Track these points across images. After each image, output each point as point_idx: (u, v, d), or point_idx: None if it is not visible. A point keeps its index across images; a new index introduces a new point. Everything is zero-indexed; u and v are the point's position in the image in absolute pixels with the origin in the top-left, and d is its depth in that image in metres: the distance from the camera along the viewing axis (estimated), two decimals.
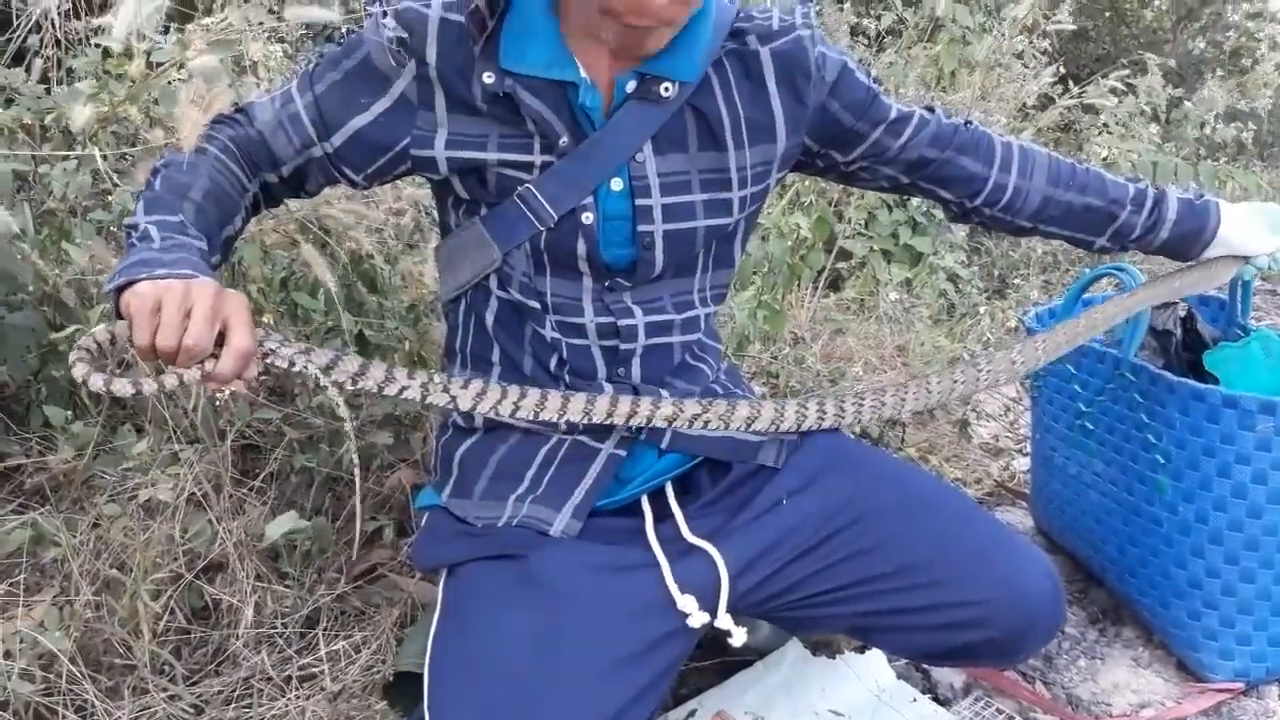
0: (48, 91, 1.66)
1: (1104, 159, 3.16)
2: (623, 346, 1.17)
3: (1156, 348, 1.62)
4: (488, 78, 1.08)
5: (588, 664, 1.02)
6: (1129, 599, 1.59)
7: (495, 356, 1.21)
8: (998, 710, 1.34)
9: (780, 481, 1.19)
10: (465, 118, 1.10)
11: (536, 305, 1.16)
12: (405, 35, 1.08)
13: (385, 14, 1.10)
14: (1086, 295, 1.77)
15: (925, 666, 1.49)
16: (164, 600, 1.28)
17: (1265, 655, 1.43)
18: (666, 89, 1.11)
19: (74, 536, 1.24)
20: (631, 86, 1.11)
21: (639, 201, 1.13)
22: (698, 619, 1.08)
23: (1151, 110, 3.38)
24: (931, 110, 1.26)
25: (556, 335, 1.17)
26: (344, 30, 1.25)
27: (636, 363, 1.18)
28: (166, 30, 1.62)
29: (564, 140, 1.10)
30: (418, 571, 1.28)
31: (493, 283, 1.18)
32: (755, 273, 2.30)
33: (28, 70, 1.68)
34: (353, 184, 1.17)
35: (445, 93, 1.10)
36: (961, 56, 3.02)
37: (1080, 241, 1.35)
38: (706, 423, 1.15)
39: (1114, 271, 1.56)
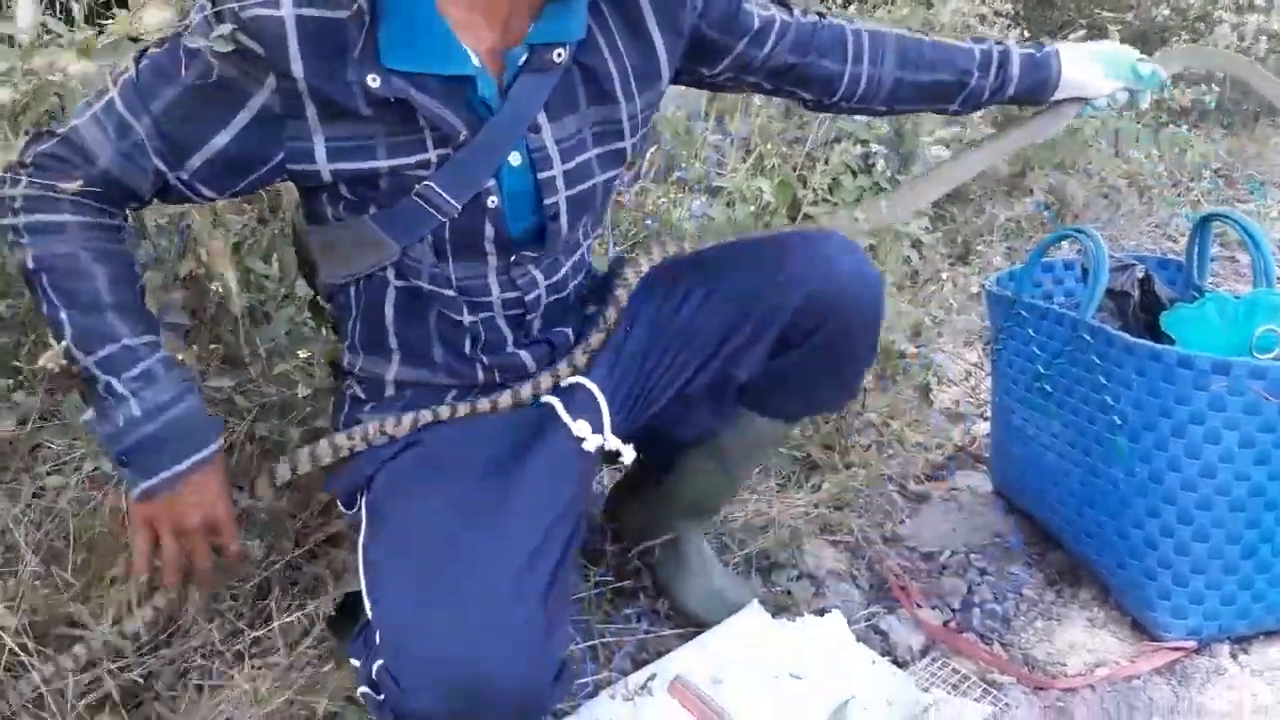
0: None
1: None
2: (528, 315, 1.19)
3: (1114, 309, 1.62)
4: (373, 81, 0.99)
5: (504, 505, 1.09)
6: (1086, 559, 1.60)
7: (393, 344, 1.18)
8: (954, 670, 1.35)
9: (620, 331, 1.26)
10: (345, 124, 1.02)
11: (450, 292, 1.14)
12: (257, 49, 0.97)
13: (215, 17, 0.96)
14: (1047, 259, 1.77)
15: (883, 628, 1.50)
16: (112, 572, 1.26)
17: (1217, 614, 1.45)
18: (559, 54, 1.08)
19: (14, 507, 1.21)
20: (523, 60, 1.07)
21: (541, 174, 1.11)
22: (592, 442, 1.17)
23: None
24: (789, 10, 1.26)
25: (471, 318, 1.16)
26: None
27: (537, 320, 1.20)
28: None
29: (463, 134, 1.06)
30: (341, 507, 1.26)
31: (390, 274, 1.13)
32: (720, 237, 2.28)
33: None
34: (213, 200, 1.09)
35: (316, 101, 1.01)
36: (925, 19, 3.00)
37: (935, 110, 1.44)
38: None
39: (1075, 234, 1.56)
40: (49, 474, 1.31)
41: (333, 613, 1.27)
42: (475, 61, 1.05)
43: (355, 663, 1.09)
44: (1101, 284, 1.50)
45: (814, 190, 2.67)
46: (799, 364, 1.26)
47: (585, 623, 1.41)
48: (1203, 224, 1.73)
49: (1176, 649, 1.45)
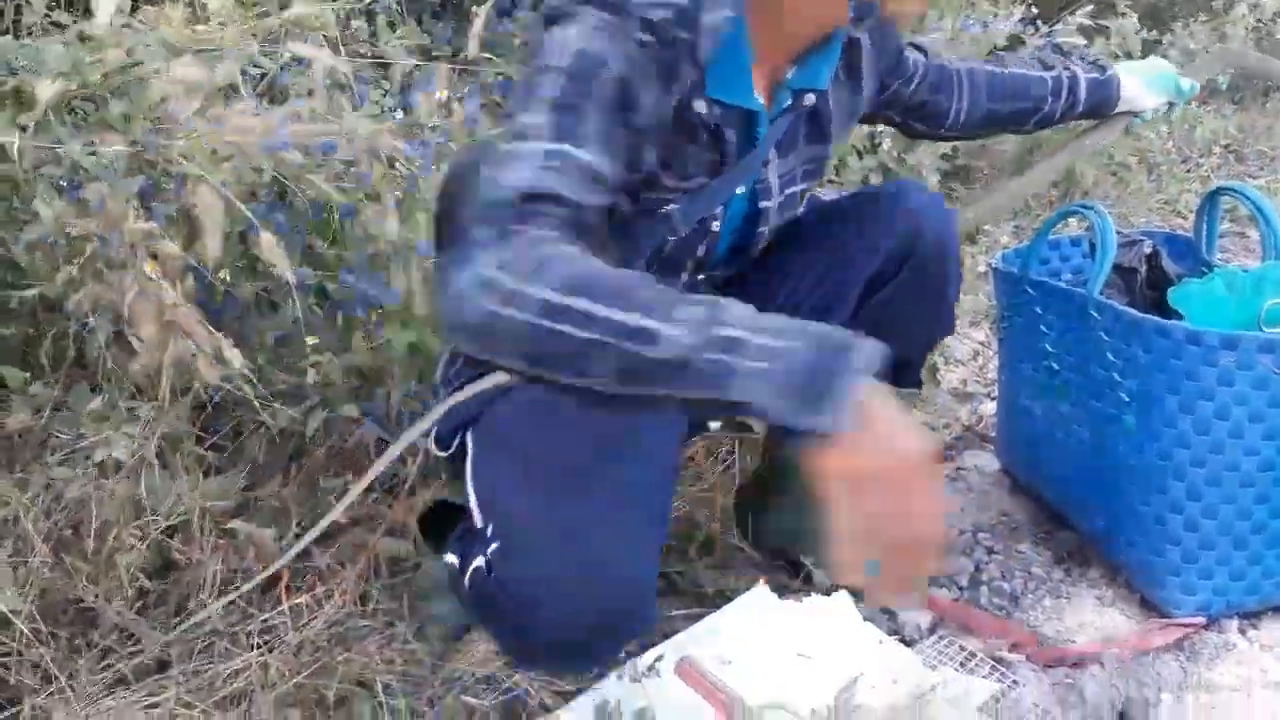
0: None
1: None
2: None
3: (1121, 285, 1.61)
4: (700, 106, 1.06)
5: (632, 433, 1.10)
6: (1094, 538, 1.60)
7: None
8: (961, 648, 1.35)
9: None
10: (676, 138, 1.08)
11: None
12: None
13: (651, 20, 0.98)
14: (1053, 236, 1.76)
15: (892, 609, 1.50)
16: (125, 559, 1.27)
17: (1226, 589, 1.45)
18: (809, 100, 1.16)
19: (24, 495, 1.22)
20: (787, 103, 1.15)
21: (762, 204, 1.20)
22: None
23: (1125, 53, 3.35)
24: (923, 52, 1.39)
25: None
26: None
27: None
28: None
29: (728, 164, 1.13)
30: (433, 448, 1.25)
31: None
32: None
33: None
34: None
35: (675, 110, 1.05)
36: None
37: (1010, 131, 1.61)
38: None
39: (1081, 209, 1.55)
40: (59, 464, 1.32)
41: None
42: (760, 100, 1.12)
43: (451, 559, 1.08)
44: (1108, 260, 1.49)
45: None
46: (890, 300, 1.33)
47: None
48: (1212, 198, 1.71)
49: (1186, 625, 1.45)
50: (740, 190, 1.19)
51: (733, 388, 0.77)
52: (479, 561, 1.03)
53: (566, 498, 1.04)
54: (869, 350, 0.78)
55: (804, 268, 1.33)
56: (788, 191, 1.25)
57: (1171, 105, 1.67)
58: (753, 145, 1.15)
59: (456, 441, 1.20)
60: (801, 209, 1.33)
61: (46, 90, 1.35)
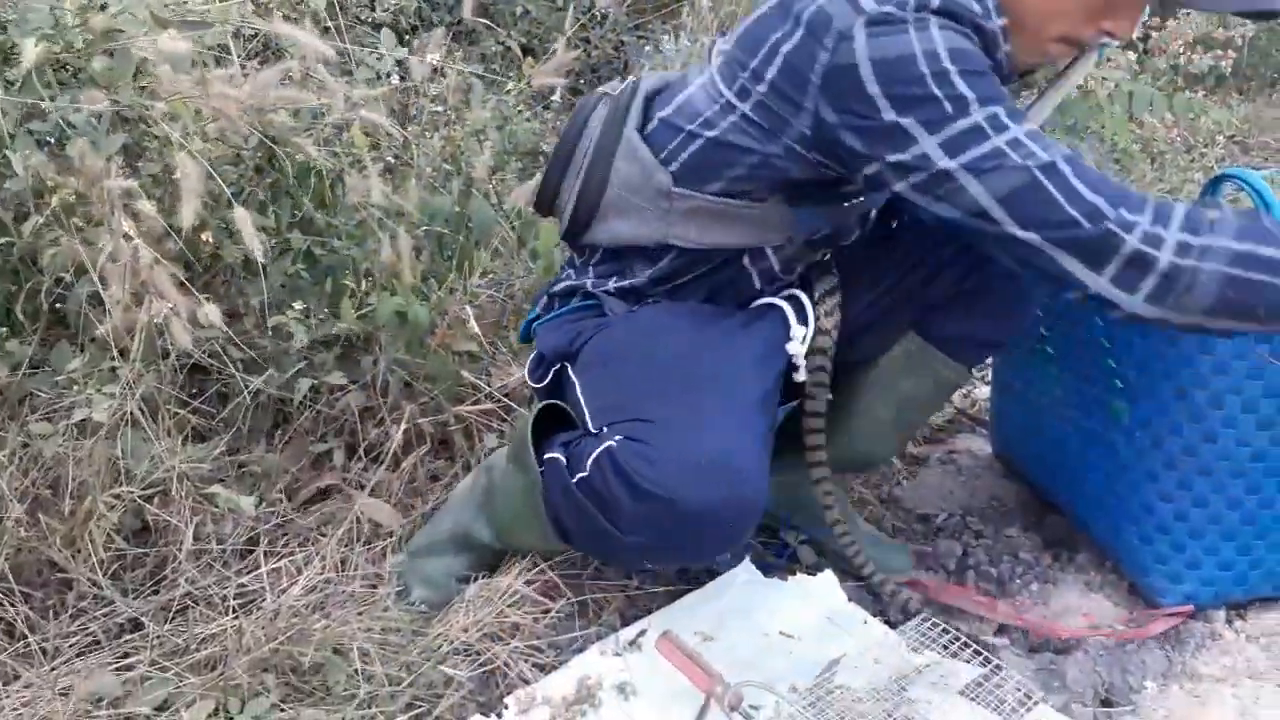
0: None
1: (1079, 85, 3.10)
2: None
3: None
4: None
5: (735, 341, 1.24)
6: (1083, 524, 1.58)
7: (690, 274, 1.31)
8: (944, 630, 1.34)
9: None
10: None
11: (775, 270, 1.32)
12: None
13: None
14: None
15: (877, 590, 1.49)
16: (103, 519, 1.25)
17: (1214, 580, 1.43)
18: None
19: (0, 452, 1.20)
20: None
21: None
22: (798, 332, 1.28)
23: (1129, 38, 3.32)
24: None
25: (760, 286, 1.34)
26: None
27: None
28: None
29: None
30: (529, 380, 1.38)
31: (745, 257, 1.29)
32: None
33: None
34: None
35: None
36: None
37: None
38: None
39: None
40: (37, 421, 1.30)
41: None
42: None
43: (558, 456, 1.18)
44: None
45: None
46: (964, 287, 1.38)
47: (575, 579, 1.41)
48: (1214, 185, 1.68)
49: (1173, 615, 1.44)
50: None
51: None
52: (598, 452, 1.11)
53: (685, 395, 1.14)
54: None
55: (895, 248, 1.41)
56: None
57: None
58: None
59: (550, 377, 1.31)
60: None
61: (30, 52, 1.33)
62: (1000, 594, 1.53)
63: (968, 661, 1.31)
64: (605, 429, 1.15)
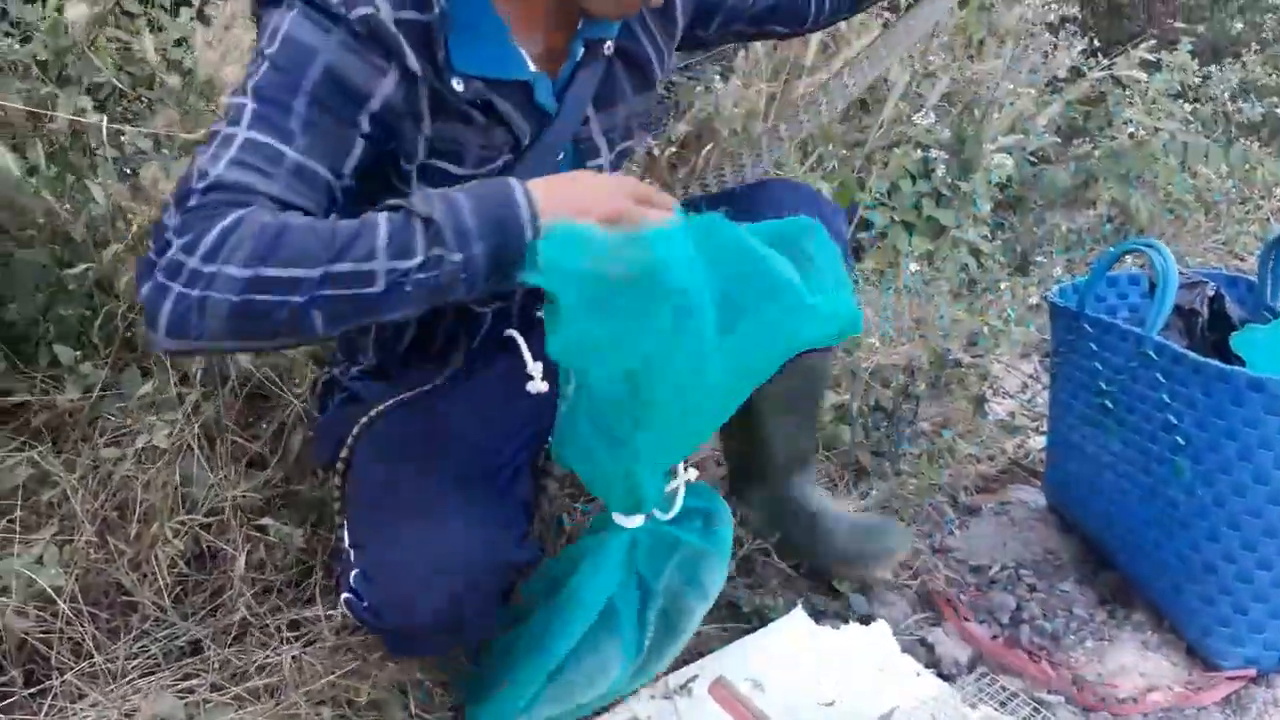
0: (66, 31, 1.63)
1: (1131, 135, 3.10)
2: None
3: (1181, 327, 1.58)
4: (457, 84, 1.01)
5: (477, 458, 1.15)
6: (1140, 581, 1.56)
7: (408, 334, 1.21)
8: (1002, 687, 1.33)
9: None
10: (444, 124, 1.03)
11: None
12: (378, 44, 0.96)
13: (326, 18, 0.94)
14: (1111, 272, 1.73)
15: (930, 640, 1.48)
16: (168, 544, 1.27)
17: (1277, 643, 1.41)
18: (609, 47, 1.11)
19: (71, 475, 1.23)
20: (580, 55, 1.10)
21: (589, 163, 1.15)
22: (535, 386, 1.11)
23: (1181, 86, 3.31)
24: None
25: (482, 309, 1.19)
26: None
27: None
28: None
29: (528, 138, 1.08)
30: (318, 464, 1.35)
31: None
32: None
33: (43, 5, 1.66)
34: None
35: (429, 98, 1.01)
36: (989, 24, 2.96)
37: (866, 7, 1.50)
38: None
39: (1143, 247, 1.52)
40: (106, 445, 1.33)
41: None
42: (531, 66, 1.06)
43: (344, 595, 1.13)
44: (1169, 300, 1.46)
45: (871, 192, 2.65)
46: None
47: None
48: (1277, 244, 1.68)
49: (1234, 678, 1.41)
50: (560, 157, 1.12)
51: (453, 293, 0.93)
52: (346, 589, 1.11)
53: (414, 521, 1.08)
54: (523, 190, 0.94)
55: None
56: (619, 148, 1.20)
57: None
58: (542, 111, 1.09)
59: (338, 458, 1.22)
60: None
61: (76, 11, 1.38)
62: (1054, 649, 1.51)
63: (1025, 719, 1.30)
64: (347, 550, 1.14)
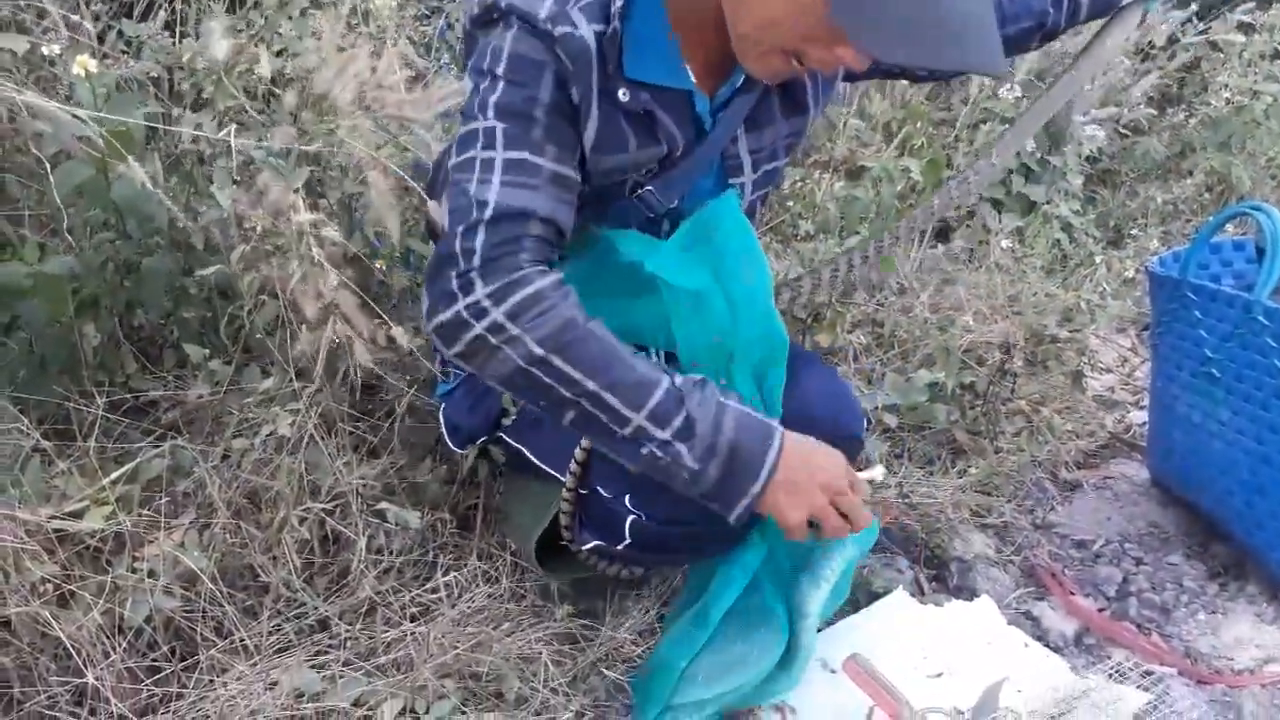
0: (174, 43, 1.72)
1: (1227, 99, 3.00)
2: None
3: None
4: (623, 95, 1.08)
5: None
6: (1255, 552, 1.53)
7: None
8: (1108, 657, 1.32)
9: None
10: (608, 129, 1.10)
11: None
12: (570, 65, 1.04)
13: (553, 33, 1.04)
14: (1216, 239, 1.70)
15: (1035, 614, 1.48)
16: (295, 529, 1.34)
17: None
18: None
19: (207, 464, 1.31)
20: (740, 82, 1.15)
21: (731, 180, 1.21)
22: None
23: (1278, 48, 3.19)
24: None
25: None
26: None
27: None
28: None
29: (681, 145, 1.15)
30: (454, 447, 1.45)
31: None
32: (863, 219, 2.26)
33: (152, 21, 1.74)
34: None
35: (600, 106, 1.08)
36: None
37: (1017, 53, 1.53)
38: None
39: (1251, 211, 1.49)
40: (233, 438, 1.40)
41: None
42: (693, 81, 1.13)
43: (597, 542, 1.23)
44: (1278, 264, 1.43)
45: (959, 169, 2.62)
46: None
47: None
48: None
49: None
50: (708, 171, 1.20)
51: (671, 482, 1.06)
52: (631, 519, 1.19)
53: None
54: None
55: None
56: (764, 168, 1.24)
57: None
58: (698, 124, 1.15)
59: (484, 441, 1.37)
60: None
61: (220, 49, 1.46)
62: (1164, 622, 1.49)
63: (1135, 687, 1.29)
64: (625, 498, 1.20)
